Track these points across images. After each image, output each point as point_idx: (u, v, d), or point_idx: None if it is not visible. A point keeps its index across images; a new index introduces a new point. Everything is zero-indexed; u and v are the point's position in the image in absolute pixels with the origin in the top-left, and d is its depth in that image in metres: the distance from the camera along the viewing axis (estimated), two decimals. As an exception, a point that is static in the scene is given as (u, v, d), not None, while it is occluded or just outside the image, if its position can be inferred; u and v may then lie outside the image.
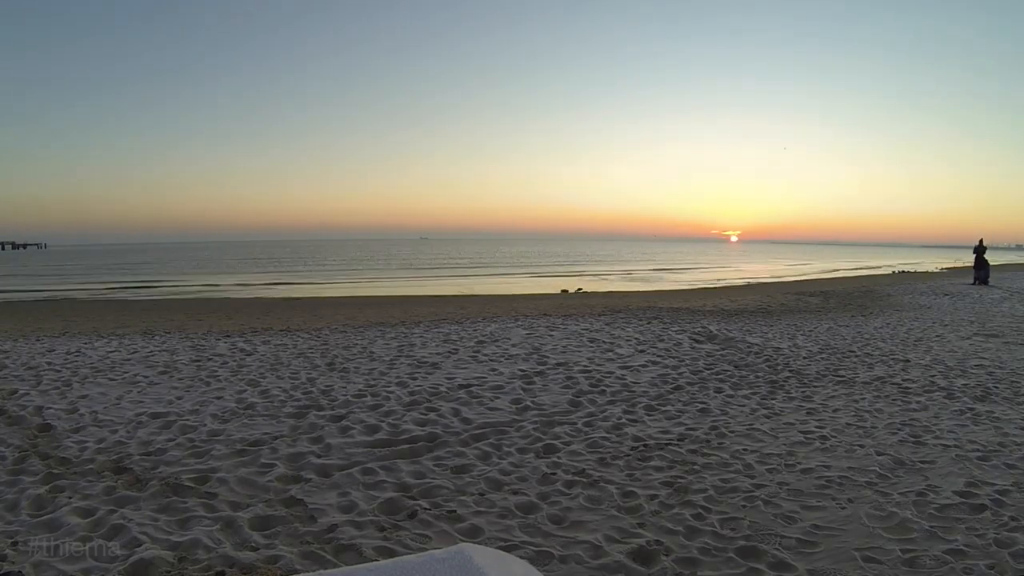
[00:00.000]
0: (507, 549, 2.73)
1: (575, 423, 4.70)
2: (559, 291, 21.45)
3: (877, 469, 3.80)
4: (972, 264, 22.00)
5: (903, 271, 35.95)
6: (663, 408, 5.14)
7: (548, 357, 7.21)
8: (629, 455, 4.04)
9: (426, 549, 2.13)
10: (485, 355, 7.34)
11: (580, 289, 21.87)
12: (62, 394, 5.49)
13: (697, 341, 8.48)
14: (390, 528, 3.03)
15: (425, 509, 3.22)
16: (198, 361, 7.03)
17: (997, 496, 3.40)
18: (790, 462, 3.92)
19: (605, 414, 4.95)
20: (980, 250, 21.29)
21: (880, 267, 43.58)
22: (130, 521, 2.99)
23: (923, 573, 2.65)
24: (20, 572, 2.56)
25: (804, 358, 7.34)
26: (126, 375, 6.29)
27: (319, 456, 3.96)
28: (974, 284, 20.61)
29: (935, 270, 36.85)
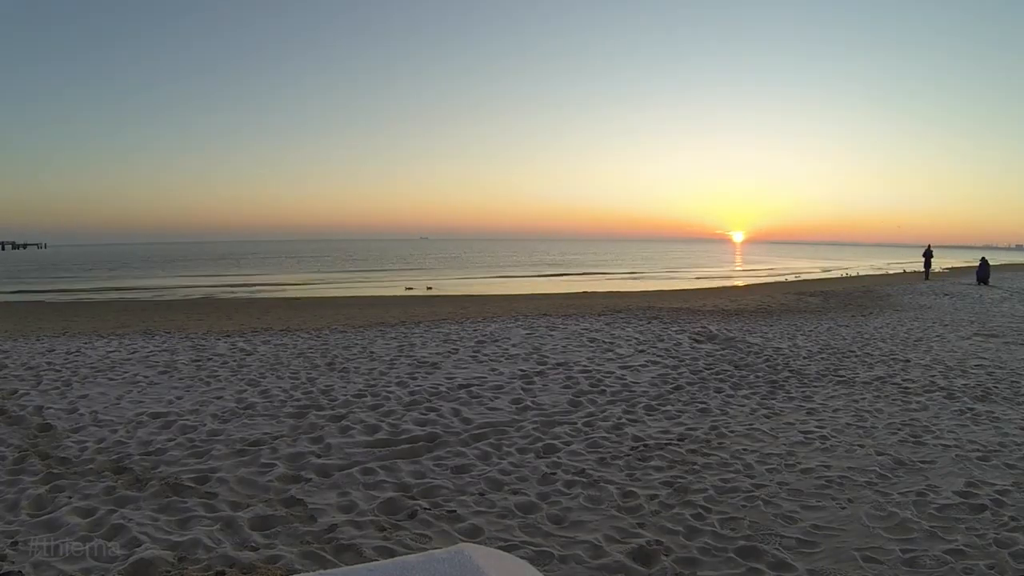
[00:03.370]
0: (507, 549, 2.73)
1: (575, 423, 4.70)
2: (561, 292, 21.46)
3: (877, 469, 3.80)
4: (976, 266, 22.49)
5: (906, 271, 35.97)
6: (663, 408, 5.14)
7: (548, 357, 7.21)
8: (629, 455, 4.03)
9: (426, 549, 2.13)
10: (485, 355, 7.34)
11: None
12: (62, 394, 5.49)
13: (697, 341, 8.48)
14: (390, 528, 3.03)
15: (425, 509, 3.22)
16: (198, 361, 7.03)
17: (997, 496, 3.40)
18: (790, 462, 3.92)
19: (605, 414, 4.95)
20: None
21: (877, 265, 43.58)
22: (130, 521, 2.99)
23: (923, 573, 2.65)
24: (20, 572, 2.56)
25: (804, 358, 7.34)
26: (126, 375, 6.29)
27: (319, 456, 3.96)
28: (976, 284, 20.65)
29: (936, 270, 36.84)
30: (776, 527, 3.05)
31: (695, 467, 3.83)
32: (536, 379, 6.11)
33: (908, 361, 7.22)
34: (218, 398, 5.37)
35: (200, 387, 5.79)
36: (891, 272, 35.27)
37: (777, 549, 2.84)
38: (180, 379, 6.12)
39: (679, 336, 8.85)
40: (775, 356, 7.42)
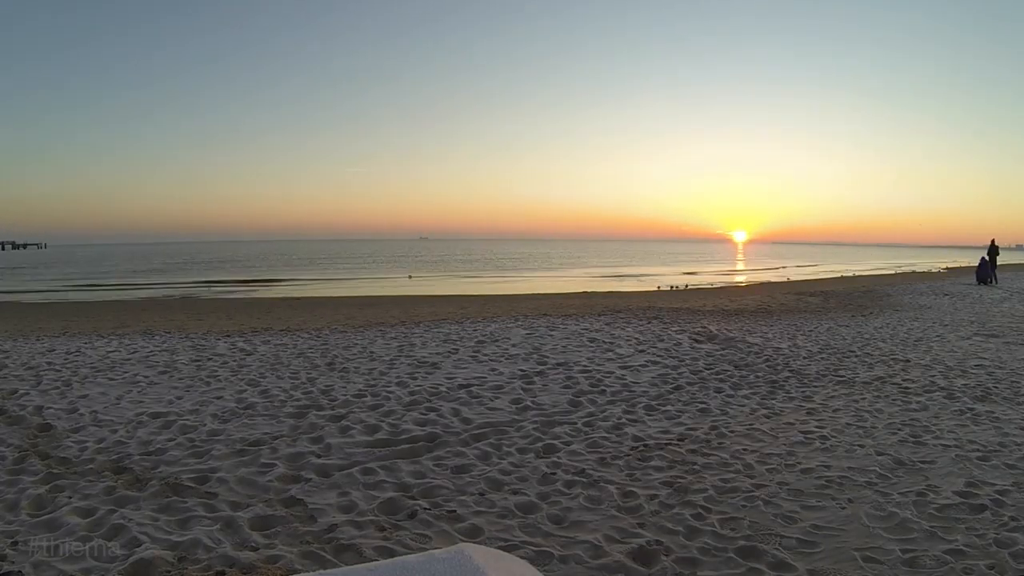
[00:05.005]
0: (507, 549, 2.73)
1: (575, 423, 4.70)
2: (561, 292, 21.45)
3: (877, 469, 3.80)
4: (977, 265, 22.22)
5: (912, 271, 35.94)
6: (663, 408, 5.14)
7: (548, 357, 7.21)
8: (629, 455, 4.04)
9: (426, 549, 2.13)
10: (485, 355, 7.34)
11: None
12: (62, 394, 5.49)
13: (697, 341, 8.48)
14: (390, 528, 3.03)
15: (425, 509, 3.22)
16: (198, 361, 7.03)
17: (997, 496, 3.40)
18: (790, 462, 3.92)
19: (605, 414, 4.95)
20: (992, 252, 21.65)
21: (882, 268, 43.56)
22: (130, 521, 2.99)
23: (923, 573, 2.65)
24: (20, 572, 2.56)
25: (804, 358, 7.33)
26: (126, 375, 6.29)
27: (319, 456, 3.96)
28: (987, 283, 20.64)
29: (936, 270, 36.85)
30: (776, 527, 3.05)
31: (695, 467, 3.83)
32: (536, 379, 6.11)
33: (908, 361, 7.22)
34: (218, 398, 5.37)
35: (200, 387, 5.79)
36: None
37: (777, 549, 2.84)
38: (180, 379, 6.12)
39: (679, 336, 8.85)
40: (775, 356, 7.42)
